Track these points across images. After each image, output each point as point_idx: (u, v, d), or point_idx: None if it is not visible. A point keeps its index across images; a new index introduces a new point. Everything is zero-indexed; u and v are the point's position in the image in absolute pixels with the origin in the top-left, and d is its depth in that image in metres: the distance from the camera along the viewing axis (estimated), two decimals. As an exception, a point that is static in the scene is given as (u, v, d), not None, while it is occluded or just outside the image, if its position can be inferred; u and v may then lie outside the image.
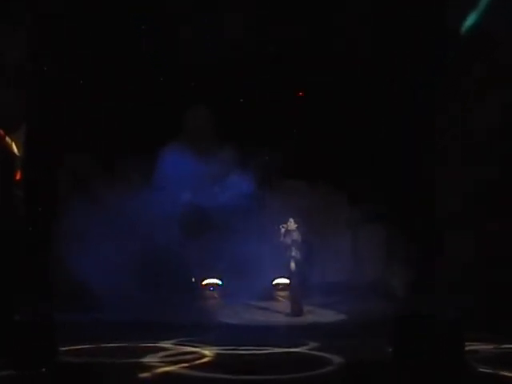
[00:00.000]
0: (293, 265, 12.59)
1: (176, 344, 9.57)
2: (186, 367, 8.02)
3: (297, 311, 12.82)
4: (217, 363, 8.36)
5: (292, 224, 12.77)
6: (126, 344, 9.44)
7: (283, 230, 12.70)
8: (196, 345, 9.43)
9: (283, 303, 14.53)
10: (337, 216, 16.11)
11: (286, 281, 14.88)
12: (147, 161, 14.44)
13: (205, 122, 14.88)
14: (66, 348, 8.63)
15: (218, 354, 8.90)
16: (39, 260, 13.47)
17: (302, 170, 15.79)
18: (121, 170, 14.48)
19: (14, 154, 12.62)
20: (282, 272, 15.28)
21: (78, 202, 13.79)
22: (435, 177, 14.13)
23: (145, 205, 14.25)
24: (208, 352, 8.95)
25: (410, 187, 14.42)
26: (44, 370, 7.29)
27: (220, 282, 16.70)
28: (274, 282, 16.62)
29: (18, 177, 12.68)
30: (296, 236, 12.67)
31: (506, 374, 7.49)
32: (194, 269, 16.11)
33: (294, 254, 12.60)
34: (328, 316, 13.01)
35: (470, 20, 12.77)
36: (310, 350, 9.20)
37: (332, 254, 16.22)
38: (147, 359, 8.41)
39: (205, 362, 8.37)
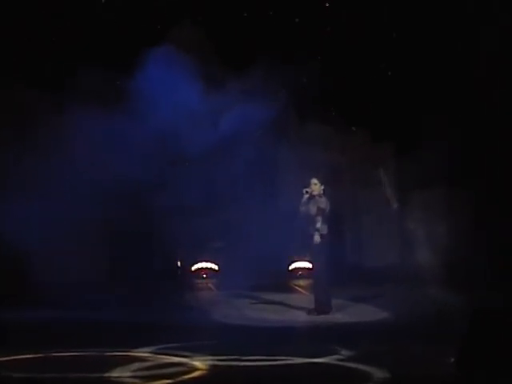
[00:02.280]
0: (317, 238, 12.59)
1: (155, 352, 9.62)
2: (170, 385, 8.12)
3: (323, 307, 12.89)
4: (212, 379, 8.41)
5: (317, 186, 12.74)
6: (87, 353, 9.51)
7: (306, 196, 12.67)
8: (183, 353, 9.48)
9: (304, 296, 14.63)
10: (380, 176, 16.13)
11: (308, 265, 14.99)
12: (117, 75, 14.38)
13: (198, 38, 14.78)
14: (5, 358, 8.72)
15: (213, 366, 8.94)
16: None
17: (330, 110, 15.75)
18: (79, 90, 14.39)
19: None
20: (303, 253, 15.39)
21: (16, 149, 13.86)
22: None
23: (111, 148, 14.12)
24: (200, 363, 8.99)
25: (497, 134, 14.32)
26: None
27: (216, 267, 16.81)
28: (291, 267, 16.73)
29: None
30: (323, 203, 12.66)
31: None
32: (181, 248, 16.19)
33: (318, 225, 12.61)
34: (366, 314, 13.09)
35: None
36: (341, 360, 9.24)
37: (373, 229, 16.26)
38: (116, 373, 8.45)
39: (195, 378, 8.41)
